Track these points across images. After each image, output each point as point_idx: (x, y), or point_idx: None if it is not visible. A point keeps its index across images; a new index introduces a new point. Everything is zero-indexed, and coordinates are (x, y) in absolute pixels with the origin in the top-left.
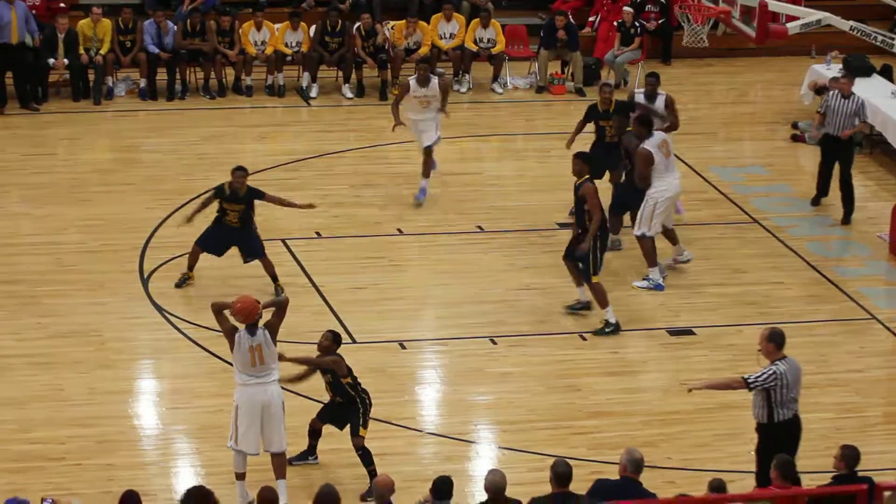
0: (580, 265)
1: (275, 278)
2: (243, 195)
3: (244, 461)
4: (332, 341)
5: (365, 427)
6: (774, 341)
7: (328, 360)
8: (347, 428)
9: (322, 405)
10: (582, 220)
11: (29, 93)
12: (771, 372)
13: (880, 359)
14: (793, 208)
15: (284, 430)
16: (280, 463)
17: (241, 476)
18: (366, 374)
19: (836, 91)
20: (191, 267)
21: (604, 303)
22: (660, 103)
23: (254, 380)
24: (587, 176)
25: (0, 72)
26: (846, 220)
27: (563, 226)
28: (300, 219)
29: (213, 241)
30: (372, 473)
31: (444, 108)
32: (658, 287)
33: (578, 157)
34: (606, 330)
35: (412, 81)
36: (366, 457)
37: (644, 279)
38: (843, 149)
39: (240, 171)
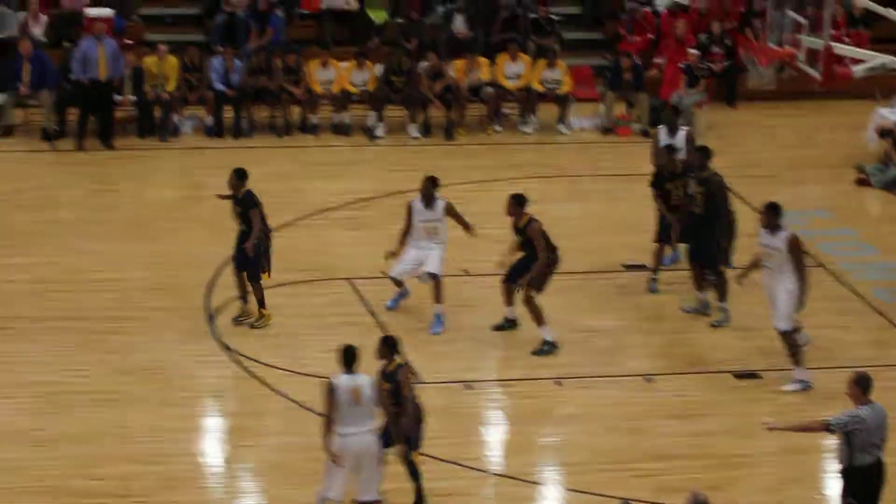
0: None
1: (244, 298)
2: (240, 198)
3: None
4: (387, 347)
5: (415, 449)
6: (860, 385)
7: (411, 395)
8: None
9: (385, 431)
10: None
11: (106, 130)
12: (853, 416)
13: None
14: (858, 252)
15: (380, 479)
16: None
17: None
18: (431, 413)
19: None
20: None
21: (540, 321)
22: (680, 138)
23: (351, 429)
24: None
25: (85, 108)
26: None
27: (628, 267)
28: (365, 259)
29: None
30: (419, 490)
31: (468, 227)
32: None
33: (513, 198)
34: (545, 349)
35: (416, 203)
36: (414, 471)
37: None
38: None
39: (234, 173)
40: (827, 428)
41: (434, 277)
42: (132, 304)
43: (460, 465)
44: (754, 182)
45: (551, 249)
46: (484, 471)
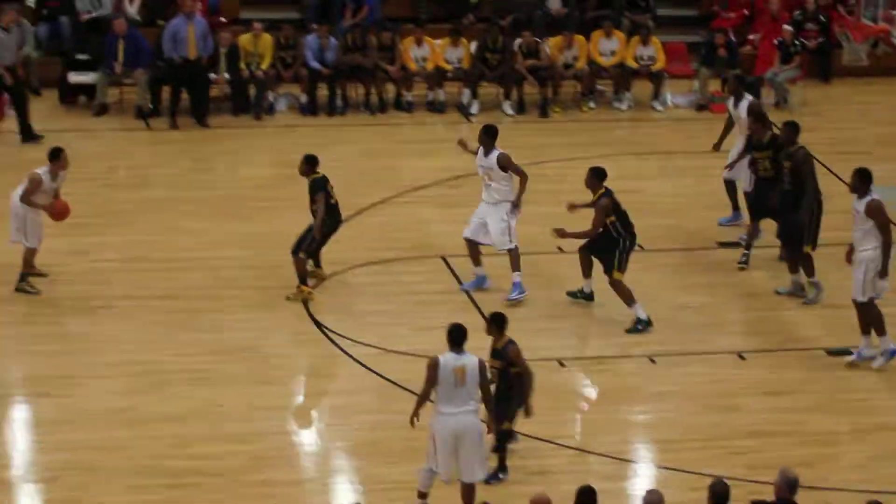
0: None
1: (302, 280)
2: (309, 182)
3: (431, 482)
4: (496, 325)
5: (510, 420)
6: None
7: (527, 368)
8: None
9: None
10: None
11: (200, 108)
12: None
13: None
14: None
15: (483, 460)
16: (468, 493)
17: (423, 495)
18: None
19: None
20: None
21: (630, 300)
22: (742, 108)
23: (451, 408)
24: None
25: (177, 86)
26: None
27: (722, 245)
28: (458, 236)
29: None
30: (502, 459)
31: (518, 201)
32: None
33: (592, 171)
34: (638, 328)
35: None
36: (502, 438)
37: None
38: None
39: (304, 159)
40: None
41: (508, 251)
42: (227, 283)
43: (553, 442)
44: (848, 159)
45: (627, 228)
46: (577, 448)
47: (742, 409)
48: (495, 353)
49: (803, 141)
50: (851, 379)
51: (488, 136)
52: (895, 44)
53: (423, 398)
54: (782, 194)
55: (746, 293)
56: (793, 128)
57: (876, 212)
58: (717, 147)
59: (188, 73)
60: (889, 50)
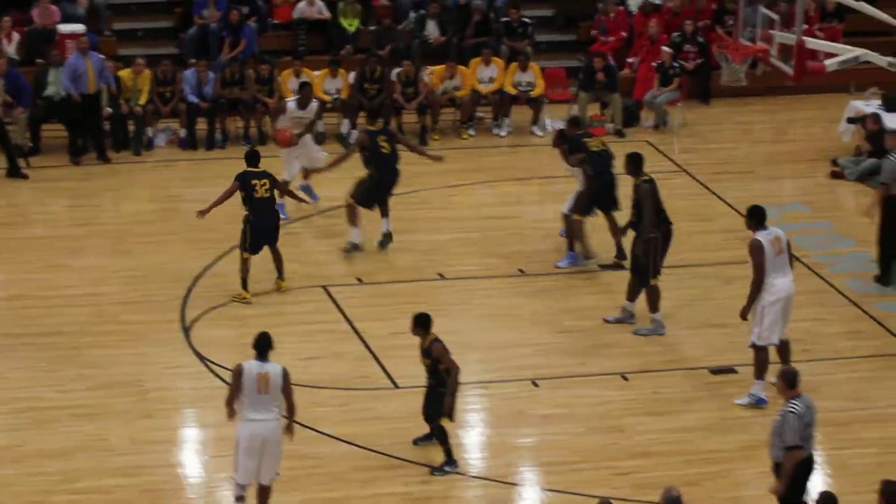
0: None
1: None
2: None
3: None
4: (419, 325)
5: (450, 415)
6: (784, 379)
7: (453, 365)
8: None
9: (424, 403)
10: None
11: (100, 143)
12: (794, 417)
13: None
14: (833, 245)
15: (279, 462)
16: (263, 494)
17: (241, 499)
18: (409, 419)
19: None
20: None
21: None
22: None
23: (256, 415)
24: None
25: (73, 123)
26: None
27: (604, 267)
28: (341, 265)
29: None
30: (447, 452)
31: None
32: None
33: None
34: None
35: (291, 103)
36: (442, 436)
37: (749, 395)
38: None
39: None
40: (793, 448)
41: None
42: (109, 319)
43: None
44: (730, 178)
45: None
46: (463, 474)
47: (627, 430)
48: (423, 352)
49: (684, 162)
50: (735, 398)
51: None
52: (774, 64)
53: (227, 404)
54: (631, 225)
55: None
56: (632, 159)
57: (750, 250)
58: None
59: (88, 109)
60: (768, 70)
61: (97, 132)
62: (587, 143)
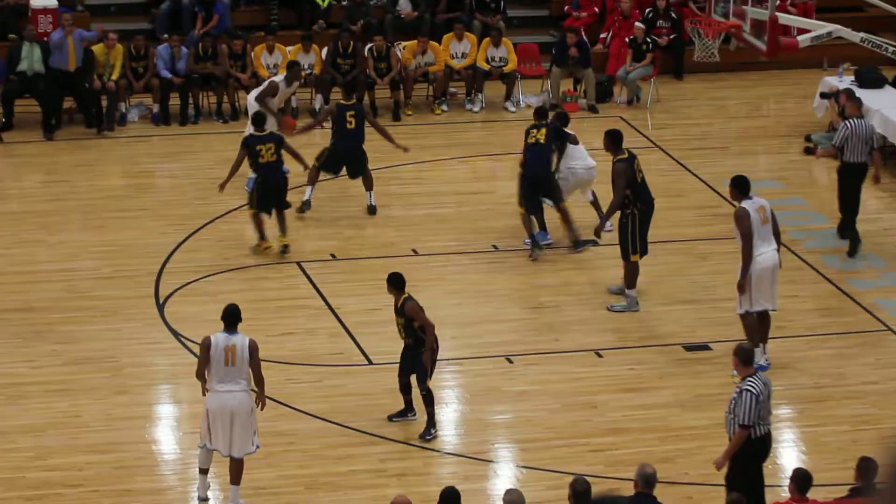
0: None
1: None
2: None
3: (210, 458)
4: (392, 284)
5: (430, 376)
6: (739, 356)
7: (427, 322)
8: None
9: (399, 362)
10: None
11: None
12: (750, 397)
13: None
14: (808, 221)
15: (253, 435)
16: (236, 467)
17: (205, 471)
18: (383, 395)
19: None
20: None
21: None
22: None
23: (223, 386)
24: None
25: (58, 97)
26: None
27: (578, 245)
28: (315, 241)
29: None
30: (431, 415)
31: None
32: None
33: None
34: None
35: (281, 83)
36: (429, 399)
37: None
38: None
39: None
40: (746, 427)
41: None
42: (83, 294)
43: (413, 444)
44: (704, 154)
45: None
46: (437, 450)
47: (601, 407)
48: (397, 311)
49: (657, 138)
50: (709, 374)
51: None
52: (747, 39)
53: (197, 375)
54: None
55: (601, 291)
56: (610, 136)
57: (736, 219)
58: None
59: (69, 85)
60: (741, 45)
61: (85, 105)
62: (528, 134)
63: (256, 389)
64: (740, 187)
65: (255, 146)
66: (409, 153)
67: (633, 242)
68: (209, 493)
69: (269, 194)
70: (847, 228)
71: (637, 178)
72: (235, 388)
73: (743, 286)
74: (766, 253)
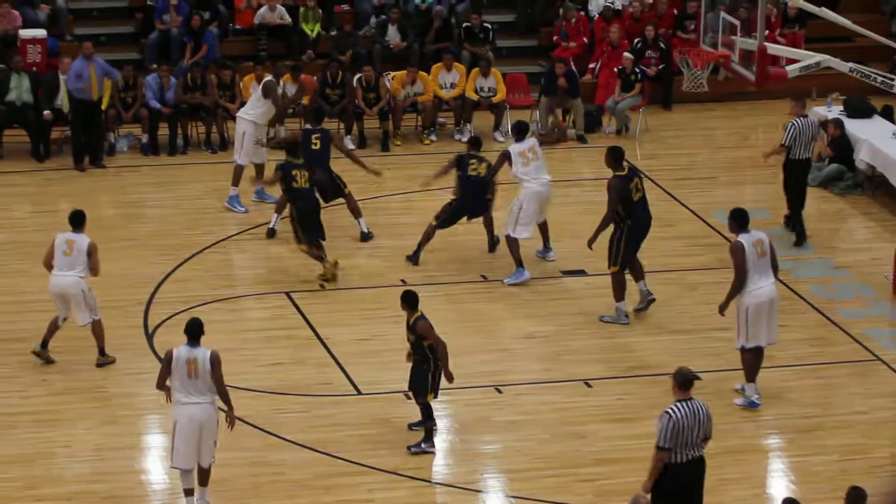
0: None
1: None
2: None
3: (192, 478)
4: (406, 302)
5: (434, 392)
6: (676, 380)
7: (438, 341)
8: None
9: (410, 377)
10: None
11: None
12: (668, 420)
13: (886, 400)
14: (796, 251)
15: (214, 446)
16: (203, 475)
17: (189, 492)
18: (371, 425)
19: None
20: None
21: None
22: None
23: (187, 398)
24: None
25: (83, 128)
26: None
27: (566, 273)
28: (304, 271)
29: None
30: (429, 430)
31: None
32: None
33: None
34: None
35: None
36: (427, 412)
37: (744, 397)
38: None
39: None
40: (660, 449)
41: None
42: (72, 324)
43: (402, 475)
44: (692, 184)
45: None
46: (427, 480)
47: (590, 437)
48: (409, 328)
49: (646, 168)
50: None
51: None
52: (735, 69)
53: (157, 386)
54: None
55: (591, 321)
56: (611, 153)
57: (731, 252)
58: None
59: (91, 116)
60: (730, 75)
61: (97, 138)
62: (469, 165)
63: (225, 409)
64: (738, 220)
65: (290, 171)
66: (397, 183)
67: (616, 254)
68: None
69: (311, 221)
70: (794, 221)
71: (633, 196)
72: (202, 400)
73: (723, 310)
74: (762, 287)
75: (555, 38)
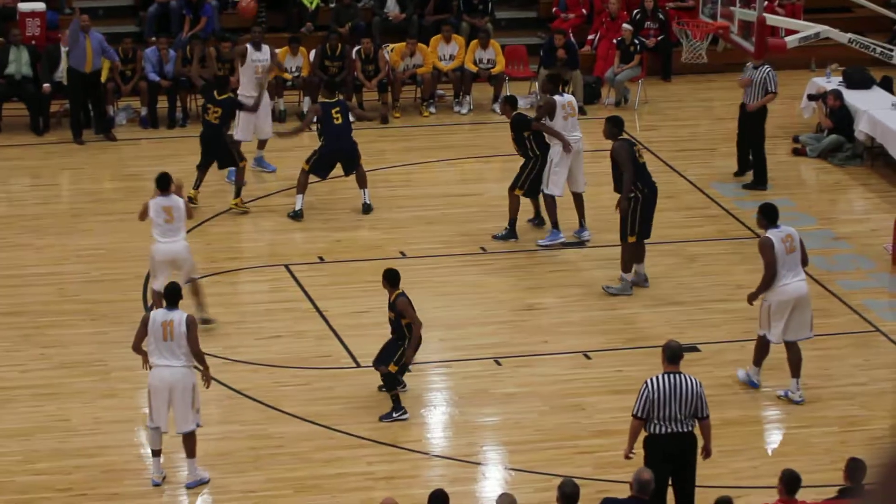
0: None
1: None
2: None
3: (159, 439)
4: (387, 280)
5: (397, 364)
6: (664, 353)
7: (415, 320)
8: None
9: (380, 350)
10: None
11: (102, 121)
12: (644, 389)
13: (885, 371)
14: (795, 222)
15: (194, 412)
16: (188, 442)
17: (156, 453)
18: (370, 397)
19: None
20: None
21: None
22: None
23: (162, 361)
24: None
25: (80, 100)
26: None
27: (566, 245)
28: (303, 244)
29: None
30: (395, 398)
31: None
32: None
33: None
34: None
35: (249, 46)
36: (389, 381)
37: (745, 372)
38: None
39: None
40: (634, 417)
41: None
42: (70, 298)
43: (402, 447)
44: (692, 155)
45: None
46: (426, 453)
47: (588, 409)
48: (389, 305)
49: (646, 139)
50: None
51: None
52: (734, 40)
53: (133, 348)
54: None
55: (590, 293)
56: (610, 122)
57: (760, 248)
58: None
59: (88, 87)
60: (729, 46)
61: (99, 110)
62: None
63: (200, 367)
64: (768, 216)
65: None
66: (396, 155)
67: (633, 224)
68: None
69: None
70: (744, 164)
71: (639, 159)
72: (175, 363)
73: (752, 301)
74: (789, 284)
75: (554, 9)
